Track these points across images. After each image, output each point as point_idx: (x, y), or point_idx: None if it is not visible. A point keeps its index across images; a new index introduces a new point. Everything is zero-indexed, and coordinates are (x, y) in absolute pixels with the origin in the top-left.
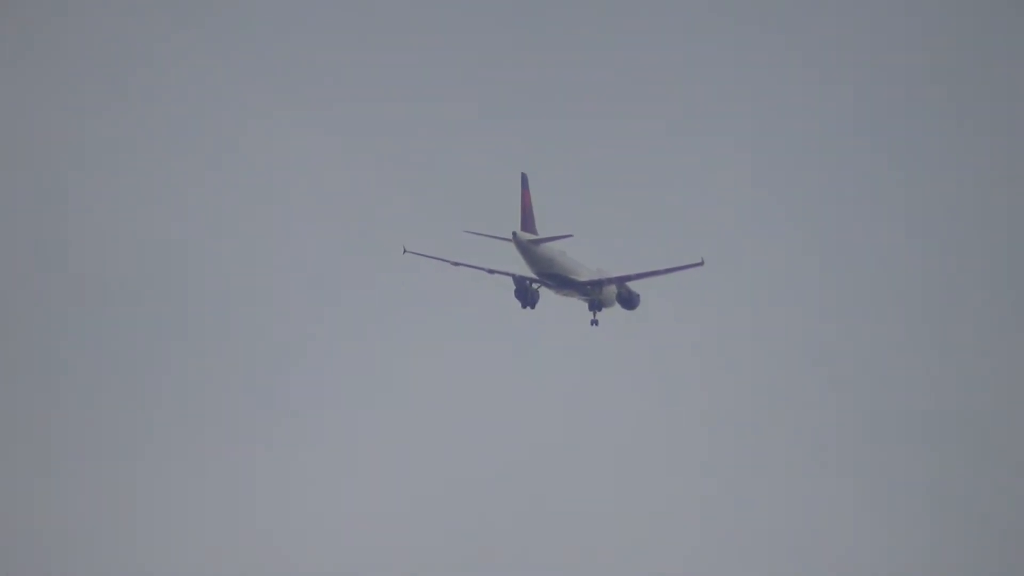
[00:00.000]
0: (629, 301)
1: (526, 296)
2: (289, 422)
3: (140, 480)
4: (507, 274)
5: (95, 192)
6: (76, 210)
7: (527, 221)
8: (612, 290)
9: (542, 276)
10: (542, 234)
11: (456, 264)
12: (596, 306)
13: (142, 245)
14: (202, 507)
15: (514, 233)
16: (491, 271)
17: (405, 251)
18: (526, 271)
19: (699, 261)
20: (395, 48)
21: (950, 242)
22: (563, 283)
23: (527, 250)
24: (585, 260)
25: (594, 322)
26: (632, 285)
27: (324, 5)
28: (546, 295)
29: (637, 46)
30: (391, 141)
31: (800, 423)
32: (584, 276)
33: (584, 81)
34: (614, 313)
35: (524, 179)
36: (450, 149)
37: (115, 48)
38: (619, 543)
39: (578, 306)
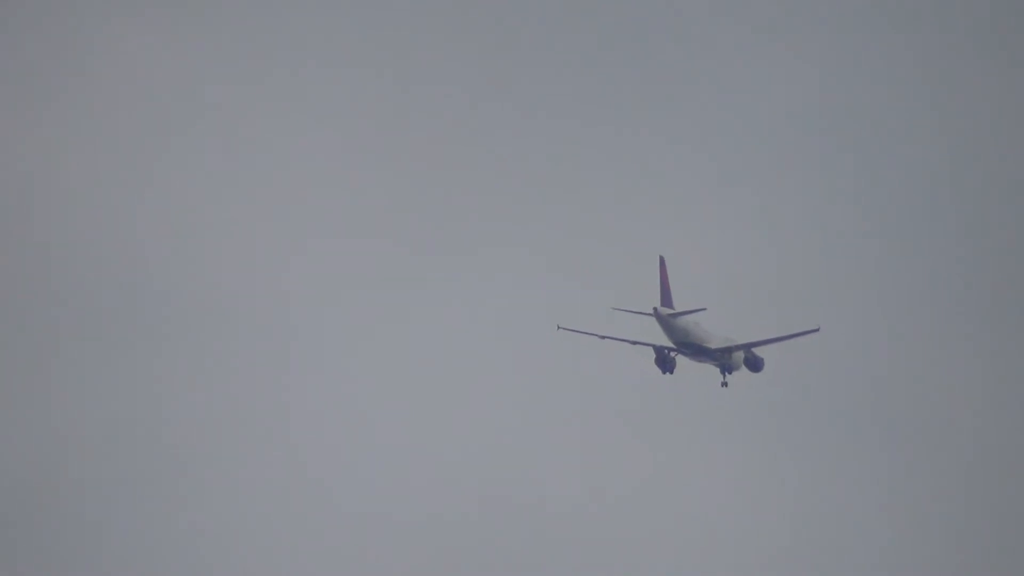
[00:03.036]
0: (755, 365)
1: (665, 363)
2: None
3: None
4: (648, 344)
5: (95, 193)
6: (73, 210)
7: (665, 297)
8: (740, 355)
9: (679, 345)
10: (678, 308)
11: (603, 337)
12: (726, 370)
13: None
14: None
15: (655, 308)
16: (634, 342)
17: (559, 328)
18: (664, 341)
19: (815, 328)
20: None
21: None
22: (697, 351)
23: (666, 323)
24: (715, 329)
25: (724, 384)
26: (756, 350)
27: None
28: (682, 361)
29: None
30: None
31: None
32: (715, 344)
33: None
34: (741, 376)
35: (662, 261)
36: (592, 233)
37: (114, 48)
38: None
39: (710, 370)
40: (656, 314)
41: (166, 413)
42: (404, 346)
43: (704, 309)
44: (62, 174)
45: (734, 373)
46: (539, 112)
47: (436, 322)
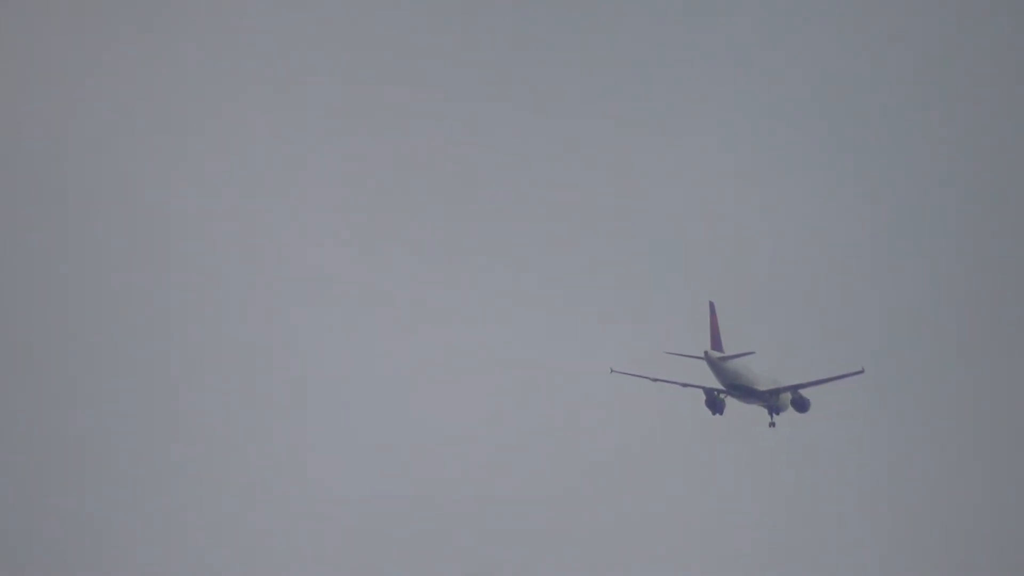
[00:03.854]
0: (801, 405)
1: (715, 405)
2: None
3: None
4: (698, 387)
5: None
6: (73, 209)
7: (715, 341)
8: (787, 397)
9: (728, 387)
10: (728, 351)
11: (655, 380)
12: (774, 411)
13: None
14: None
15: (705, 352)
16: (685, 385)
17: (612, 371)
18: (714, 383)
19: (860, 369)
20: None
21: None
22: (747, 393)
23: (716, 366)
24: (763, 371)
25: (772, 424)
26: (803, 391)
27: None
28: (731, 403)
29: None
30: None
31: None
32: (763, 386)
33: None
34: (788, 416)
35: (712, 307)
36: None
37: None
38: None
39: (758, 411)
40: (707, 358)
41: (163, 419)
42: (412, 356)
43: (753, 352)
44: (62, 174)
45: (781, 413)
46: (540, 113)
47: (442, 334)
